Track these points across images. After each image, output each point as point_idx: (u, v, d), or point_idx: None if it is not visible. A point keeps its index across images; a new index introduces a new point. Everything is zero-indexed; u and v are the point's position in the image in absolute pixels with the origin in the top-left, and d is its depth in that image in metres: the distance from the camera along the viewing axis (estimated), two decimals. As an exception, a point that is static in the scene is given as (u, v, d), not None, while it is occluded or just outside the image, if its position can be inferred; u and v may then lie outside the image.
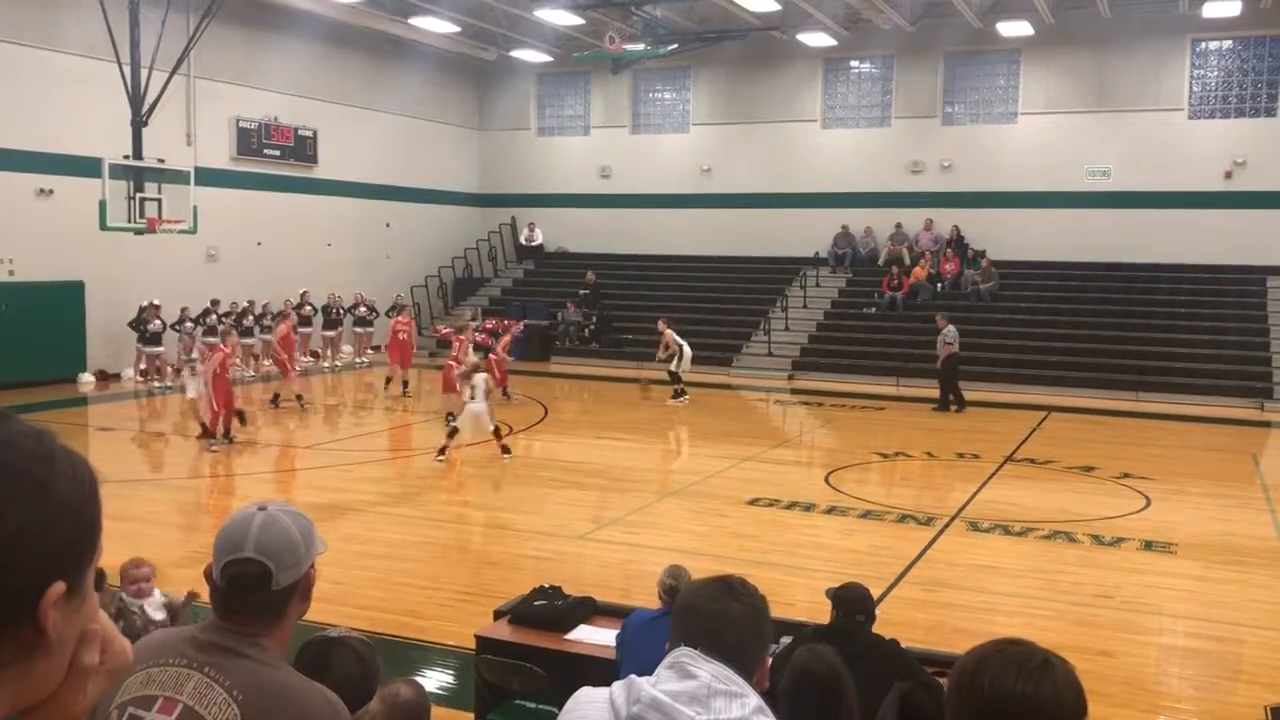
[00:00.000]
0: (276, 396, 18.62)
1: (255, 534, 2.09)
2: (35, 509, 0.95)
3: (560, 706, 2.13)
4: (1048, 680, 1.73)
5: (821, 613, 5.01)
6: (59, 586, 0.96)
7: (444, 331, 19.36)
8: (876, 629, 4.93)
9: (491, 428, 13.91)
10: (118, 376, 21.69)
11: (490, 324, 25.57)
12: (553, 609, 6.11)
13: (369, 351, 25.77)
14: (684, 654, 2.02)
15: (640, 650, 4.63)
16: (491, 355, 17.64)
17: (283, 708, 1.99)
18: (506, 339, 19.85)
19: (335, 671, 3.14)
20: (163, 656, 2.06)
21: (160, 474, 14.15)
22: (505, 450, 14.12)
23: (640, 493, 12.65)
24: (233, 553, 2.09)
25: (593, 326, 26.79)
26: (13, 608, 0.94)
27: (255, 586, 2.07)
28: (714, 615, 2.08)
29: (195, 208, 19.10)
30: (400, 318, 21.38)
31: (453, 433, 14.09)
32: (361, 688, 3.28)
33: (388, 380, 20.64)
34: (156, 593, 5.96)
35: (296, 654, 3.21)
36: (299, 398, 18.60)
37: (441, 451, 14.08)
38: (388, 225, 28.89)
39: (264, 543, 2.09)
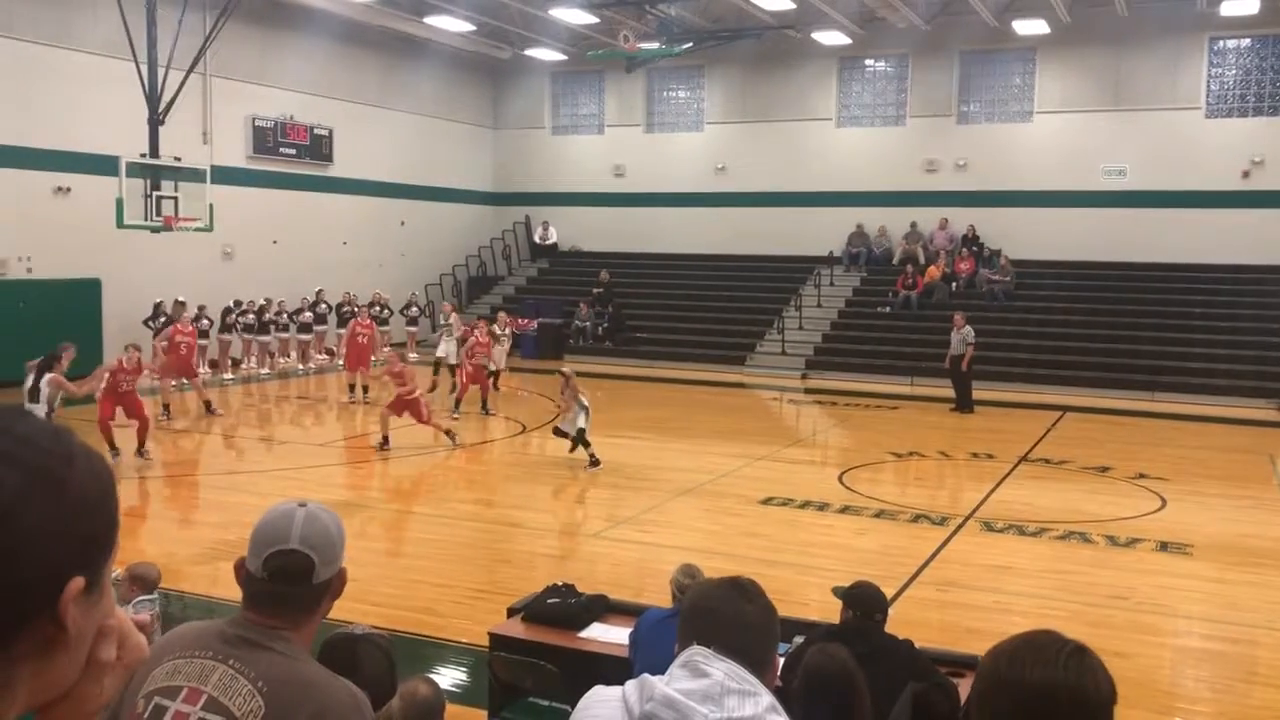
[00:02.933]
0: (166, 407, 17.27)
1: (300, 527, 2.14)
2: (54, 505, 0.96)
3: (573, 704, 2.14)
4: (1085, 668, 1.73)
5: (834, 612, 5.00)
6: (78, 582, 0.97)
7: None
8: (889, 629, 4.91)
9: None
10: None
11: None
12: (566, 607, 6.11)
13: (384, 350, 25.83)
14: (697, 653, 2.02)
15: (653, 649, 4.62)
16: (467, 362, 17.54)
17: (307, 700, 2.02)
18: (484, 343, 18.26)
19: (365, 668, 3.17)
20: (189, 649, 2.10)
21: (174, 471, 14.21)
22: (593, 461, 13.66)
23: (653, 491, 12.65)
24: (277, 544, 2.13)
25: (606, 325, 26.80)
26: (33, 603, 0.95)
27: (298, 578, 2.12)
28: (729, 616, 2.09)
29: (211, 206, 19.17)
30: (359, 320, 20.19)
31: (561, 434, 13.94)
32: (388, 684, 3.32)
33: (352, 387, 19.57)
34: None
35: (323, 650, 3.23)
36: (165, 408, 17.13)
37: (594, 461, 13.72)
38: (402, 224, 28.95)
39: (308, 535, 2.13)
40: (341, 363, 22.38)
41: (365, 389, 19.41)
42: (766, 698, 2.00)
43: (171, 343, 17.77)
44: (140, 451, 14.10)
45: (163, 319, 20.78)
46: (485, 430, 17.03)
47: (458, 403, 17.51)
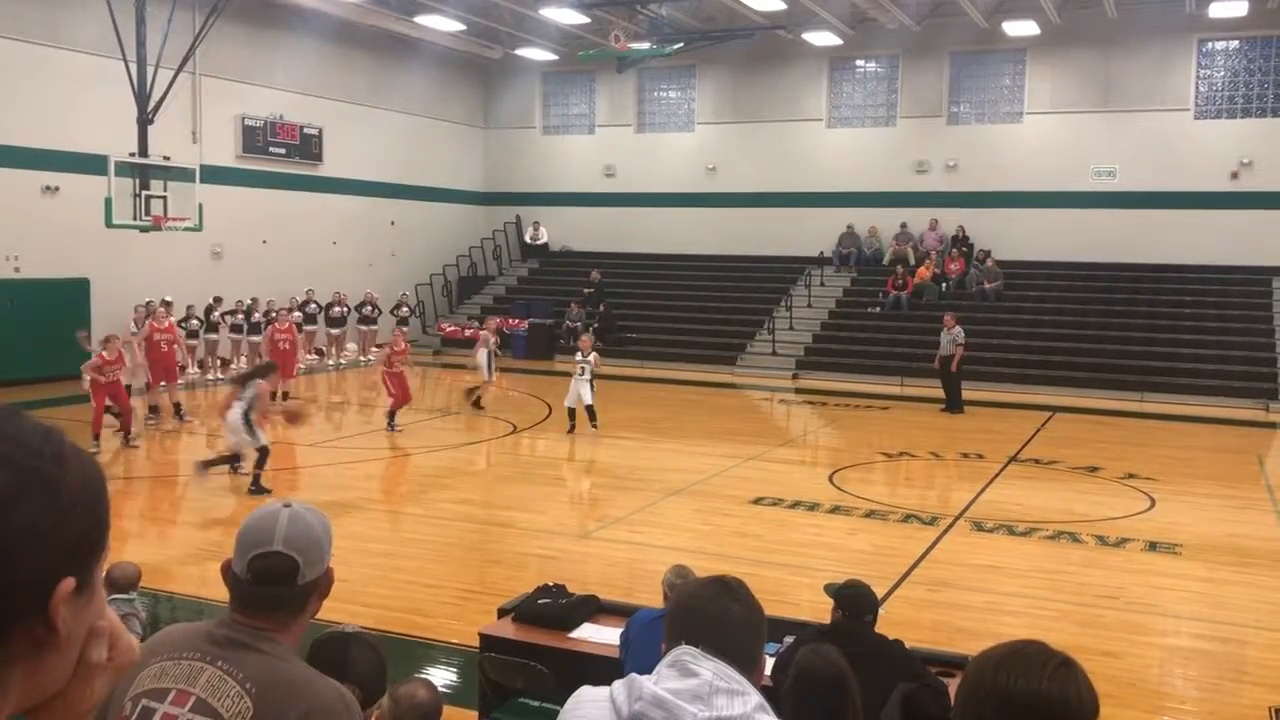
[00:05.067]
0: (153, 409, 16.99)
1: (283, 528, 2.13)
2: (46, 506, 0.96)
3: (564, 705, 2.14)
4: (1070, 681, 1.74)
5: (825, 612, 5.01)
6: (69, 583, 0.97)
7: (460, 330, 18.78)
8: (879, 628, 4.92)
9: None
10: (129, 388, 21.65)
11: (496, 322, 25.60)
12: (556, 607, 6.11)
13: (374, 350, 25.84)
14: (685, 652, 2.02)
15: (644, 649, 4.62)
16: (384, 370, 16.59)
17: (295, 700, 2.01)
18: (400, 349, 17.21)
19: (357, 666, 3.18)
20: (177, 651, 2.10)
21: (166, 472, 14.17)
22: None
23: (644, 491, 12.65)
24: (260, 546, 2.12)
25: (597, 325, 26.79)
26: (23, 604, 0.95)
27: (282, 580, 2.11)
28: (716, 616, 2.08)
29: (200, 205, 19.11)
30: (278, 325, 19.54)
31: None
32: (379, 683, 3.32)
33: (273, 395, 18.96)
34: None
35: (313, 649, 3.23)
36: (152, 409, 16.95)
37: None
38: (392, 223, 28.91)
39: (292, 537, 2.12)
40: (339, 364, 22.24)
41: (285, 395, 18.62)
42: (755, 697, 2.00)
43: (150, 340, 17.08)
44: (129, 440, 14.66)
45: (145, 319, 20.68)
46: (475, 431, 17.00)
47: (391, 415, 16.58)
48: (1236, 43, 25.02)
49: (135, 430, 15.23)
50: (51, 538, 0.96)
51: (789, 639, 4.92)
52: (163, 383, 17.31)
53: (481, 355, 18.69)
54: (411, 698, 3.40)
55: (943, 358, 19.49)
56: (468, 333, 21.46)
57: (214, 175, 21.66)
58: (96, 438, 14.46)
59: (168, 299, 20.98)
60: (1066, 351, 22.86)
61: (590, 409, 16.20)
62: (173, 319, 18.67)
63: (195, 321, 21.62)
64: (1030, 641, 1.83)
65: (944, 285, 25.95)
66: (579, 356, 16.33)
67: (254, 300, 23.32)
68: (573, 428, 16.24)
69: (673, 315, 27.08)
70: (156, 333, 17.23)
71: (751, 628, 2.12)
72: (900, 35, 26.35)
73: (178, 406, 17.25)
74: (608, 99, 30.93)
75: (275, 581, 2.10)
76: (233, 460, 12.78)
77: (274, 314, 21.37)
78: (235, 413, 12.25)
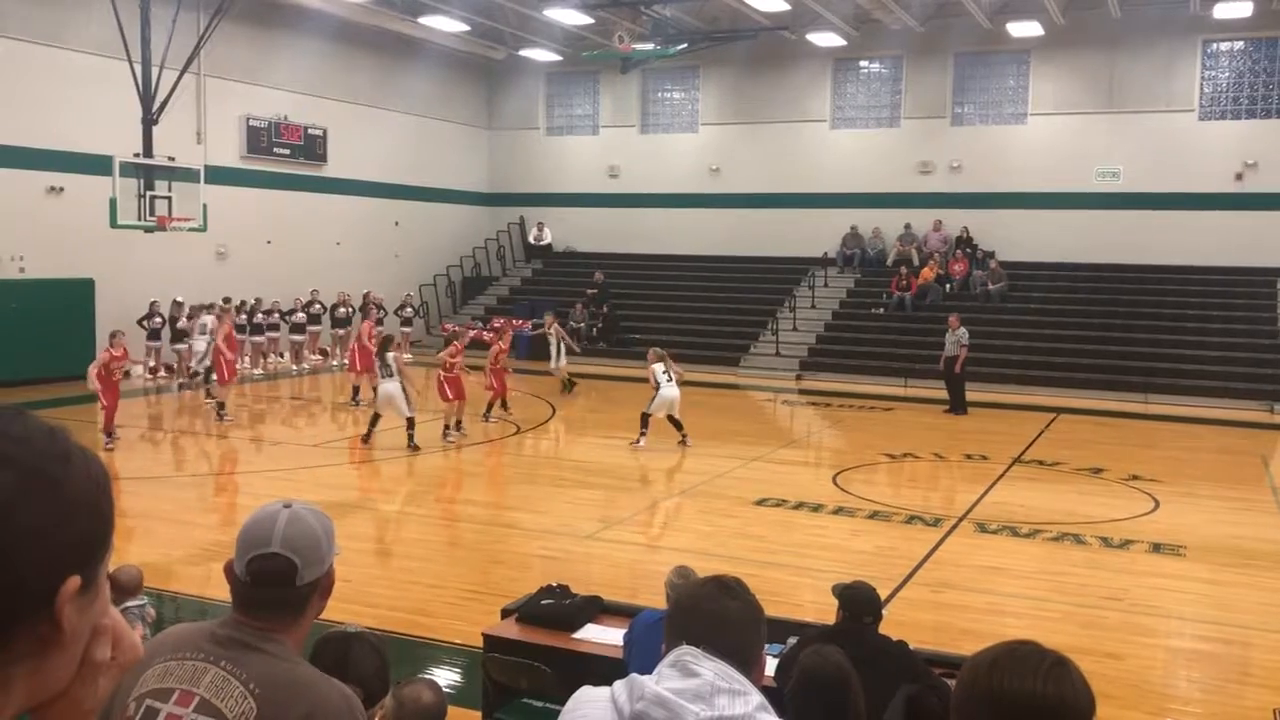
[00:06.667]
0: (221, 405, 17.13)
1: (281, 530, 2.12)
2: (50, 505, 0.96)
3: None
4: (1065, 680, 1.74)
5: (829, 613, 5.01)
6: (74, 581, 0.97)
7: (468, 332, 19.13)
8: (883, 629, 4.92)
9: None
10: (127, 374, 21.70)
11: (498, 323, 25.58)
12: (560, 608, 6.12)
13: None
14: (686, 652, 2.02)
15: (648, 650, 4.62)
16: (489, 366, 17.19)
17: (299, 701, 2.01)
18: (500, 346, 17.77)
19: (357, 666, 3.18)
20: (180, 651, 2.09)
21: (169, 471, 14.18)
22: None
23: (648, 492, 12.65)
24: (258, 548, 2.11)
25: (600, 326, 26.80)
26: (29, 602, 0.95)
27: (279, 581, 2.10)
28: (715, 615, 2.08)
29: (205, 206, 19.14)
30: (370, 321, 19.66)
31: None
32: (380, 682, 3.32)
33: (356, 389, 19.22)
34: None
35: (315, 648, 3.24)
36: (220, 405, 17.12)
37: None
38: (396, 224, 28.94)
39: (290, 538, 2.11)
40: (343, 364, 22.24)
41: (357, 390, 19.14)
42: (756, 697, 2.00)
43: (232, 340, 17.26)
44: (109, 433, 14.66)
45: (173, 320, 20.69)
46: (478, 431, 17.00)
47: (489, 408, 17.25)
48: (1241, 44, 24.98)
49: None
50: (57, 536, 0.96)
51: (792, 640, 4.92)
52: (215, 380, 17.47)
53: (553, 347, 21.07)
54: (416, 700, 3.40)
55: (947, 359, 19.47)
56: (471, 334, 21.42)
57: (218, 176, 21.69)
58: (110, 433, 14.46)
59: (178, 299, 21.03)
60: (1070, 353, 22.83)
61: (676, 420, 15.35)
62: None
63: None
64: (1024, 641, 1.82)
65: (948, 286, 25.92)
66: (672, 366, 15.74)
67: (257, 300, 23.36)
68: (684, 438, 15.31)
69: (676, 316, 27.07)
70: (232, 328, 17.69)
71: (748, 626, 2.12)
72: (904, 36, 26.34)
73: (207, 395, 17.47)
74: (611, 100, 30.94)
75: (273, 583, 2.09)
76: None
77: (371, 310, 21.42)
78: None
